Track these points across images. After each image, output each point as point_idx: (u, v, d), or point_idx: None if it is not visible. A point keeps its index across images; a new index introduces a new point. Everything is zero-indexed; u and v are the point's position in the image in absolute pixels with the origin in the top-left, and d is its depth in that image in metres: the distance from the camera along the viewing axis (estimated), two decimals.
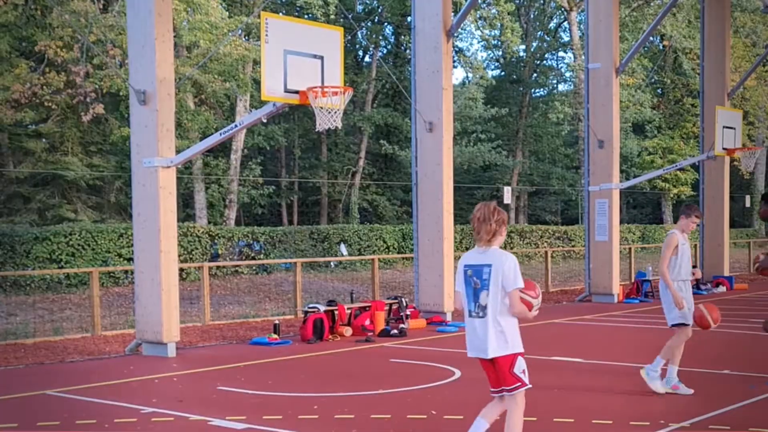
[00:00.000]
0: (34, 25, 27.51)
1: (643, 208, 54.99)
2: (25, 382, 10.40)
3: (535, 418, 7.98)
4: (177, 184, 12.79)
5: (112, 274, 21.73)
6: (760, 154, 22.83)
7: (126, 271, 21.49)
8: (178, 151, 12.78)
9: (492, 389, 6.05)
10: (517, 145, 45.21)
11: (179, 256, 17.45)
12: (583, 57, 29.26)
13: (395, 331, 14.41)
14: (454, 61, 34.74)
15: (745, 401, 8.71)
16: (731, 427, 7.63)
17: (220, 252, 24.89)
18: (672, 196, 45.52)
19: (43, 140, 29.92)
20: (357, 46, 42.33)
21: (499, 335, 5.78)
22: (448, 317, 16.12)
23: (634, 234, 39.47)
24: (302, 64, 11.05)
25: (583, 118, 26.52)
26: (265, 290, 22.08)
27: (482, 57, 47.76)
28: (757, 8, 39.00)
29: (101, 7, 26.20)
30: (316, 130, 11.41)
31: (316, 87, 10.88)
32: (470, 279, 5.80)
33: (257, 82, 28.28)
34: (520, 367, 5.84)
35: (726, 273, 23.63)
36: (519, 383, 5.85)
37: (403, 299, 15.97)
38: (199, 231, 24.48)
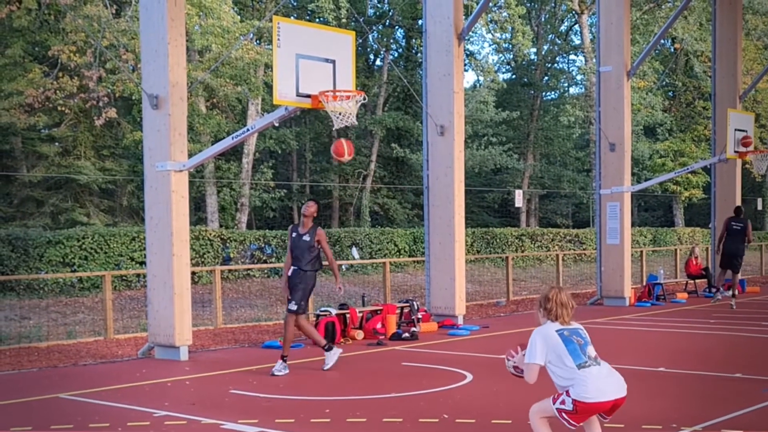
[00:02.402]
0: (48, 29, 27.66)
1: (655, 211, 54.83)
2: (39, 385, 10.46)
3: None
4: (189, 188, 12.85)
5: (124, 278, 21.80)
6: None
7: (138, 275, 21.57)
8: (190, 155, 12.85)
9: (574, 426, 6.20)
10: (529, 148, 45.15)
11: (191, 259, 17.50)
12: (594, 60, 29.24)
13: (407, 334, 14.42)
14: (465, 65, 34.73)
15: (758, 405, 8.69)
16: (743, 430, 7.62)
17: (231, 255, 24.94)
18: (683, 199, 45.38)
19: (56, 144, 30.07)
20: (368, 49, 42.37)
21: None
22: (460, 320, 16.12)
23: (645, 237, 39.35)
24: (314, 68, 11.08)
25: (594, 121, 26.49)
26: (277, 293, 22.12)
27: (493, 60, 47.74)
28: None
29: (114, 11, 26.31)
30: (334, 129, 11.56)
31: (328, 91, 10.92)
32: (570, 338, 6.12)
33: (269, 86, 28.36)
34: None
35: (738, 276, 23.52)
36: None
37: (414, 302, 15.99)
38: (211, 234, 24.54)
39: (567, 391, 6.00)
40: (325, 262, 11.49)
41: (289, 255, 11.21)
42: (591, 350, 6.14)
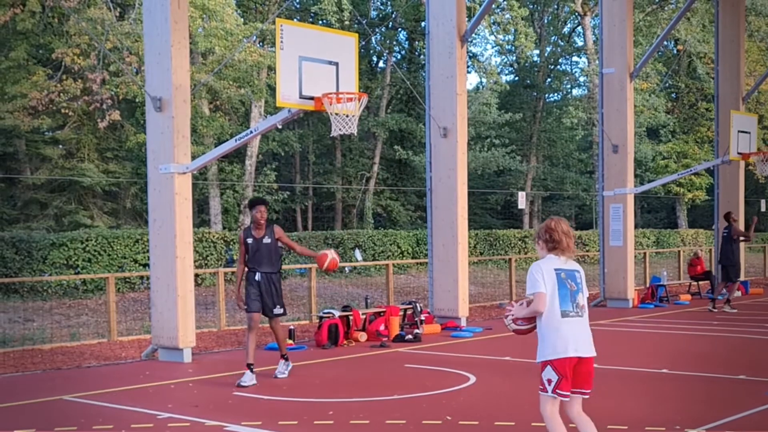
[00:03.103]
0: (52, 32, 27.72)
1: (658, 213, 54.78)
2: (42, 387, 10.48)
3: None
4: (192, 190, 12.86)
5: (128, 280, 21.83)
6: None
7: (142, 277, 21.59)
8: (193, 157, 12.86)
9: (570, 390, 6.13)
10: (531, 150, 45.16)
11: (195, 261, 17.51)
12: (597, 61, 29.24)
13: (410, 336, 14.43)
14: (468, 67, 34.74)
15: (761, 407, 8.69)
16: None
17: (235, 257, 24.95)
18: (687, 200, 45.35)
19: (60, 147, 30.13)
20: (371, 51, 42.40)
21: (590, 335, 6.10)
22: (463, 322, 16.13)
23: (648, 239, 39.32)
24: (317, 70, 11.09)
25: (597, 123, 26.48)
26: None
27: (496, 62, 47.78)
28: None
29: (118, 14, 26.37)
30: (331, 135, 11.46)
31: (331, 93, 10.93)
32: (565, 281, 5.98)
33: (272, 89, 28.40)
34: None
35: (741, 277, 23.52)
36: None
37: (417, 304, 16.00)
38: (214, 236, 24.56)
39: (542, 365, 6.06)
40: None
41: (243, 261, 10.74)
42: (581, 298, 6.06)
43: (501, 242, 32.74)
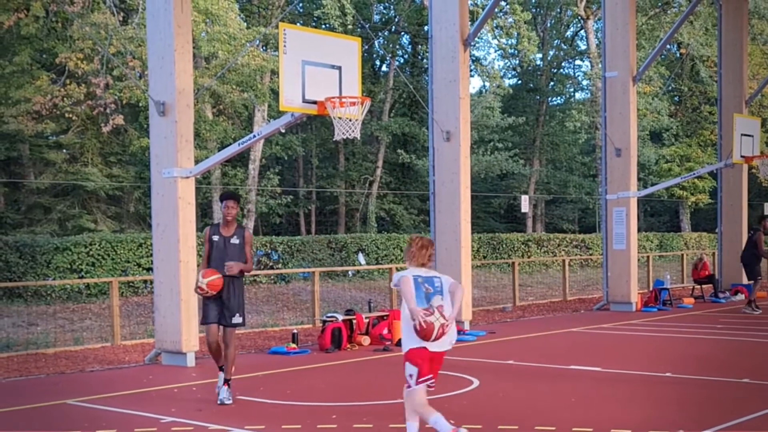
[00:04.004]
0: (55, 37, 27.77)
1: (661, 216, 54.74)
2: (46, 391, 10.49)
3: (554, 428, 7.99)
4: (196, 194, 12.88)
5: (131, 284, 21.85)
6: None
7: (145, 281, 21.60)
8: (196, 162, 12.88)
9: (430, 379, 7.06)
10: (534, 153, 45.15)
11: (198, 265, 17.54)
12: (600, 65, 29.25)
13: None
14: (471, 70, 34.75)
15: (765, 411, 8.68)
16: None
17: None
18: (690, 204, 45.32)
19: (64, 151, 30.17)
20: (374, 55, 42.43)
21: (451, 334, 7.06)
22: (466, 326, 16.12)
23: (652, 242, 39.30)
24: (320, 74, 11.12)
25: (600, 127, 26.47)
26: (284, 299, 22.15)
27: (499, 66, 47.81)
28: None
29: (121, 19, 26.41)
30: (334, 139, 11.47)
31: (334, 97, 10.94)
32: (421, 285, 6.99)
33: (275, 93, 28.41)
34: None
35: (745, 281, 23.50)
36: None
37: None
38: None
39: (404, 357, 7.02)
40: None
41: (206, 262, 9.67)
42: (437, 300, 6.95)
43: (504, 246, 32.73)
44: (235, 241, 9.63)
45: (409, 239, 7.34)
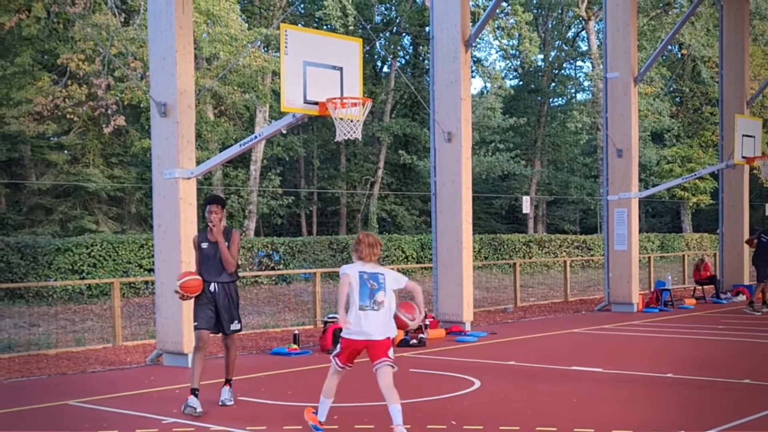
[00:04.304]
0: (57, 38, 27.80)
1: (662, 217, 54.74)
2: (48, 392, 10.50)
3: (555, 429, 7.99)
4: (197, 195, 12.89)
5: (132, 285, 21.86)
6: None
7: (146, 282, 21.62)
8: (198, 163, 12.88)
9: (350, 364, 7.87)
10: (536, 154, 45.15)
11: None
12: (601, 66, 29.24)
13: (414, 341, 14.43)
14: (472, 71, 34.78)
15: (766, 411, 8.67)
16: None
17: (239, 262, 24.99)
18: (691, 204, 45.31)
19: (65, 152, 30.19)
20: (375, 56, 42.45)
21: (389, 323, 7.64)
22: (467, 327, 16.12)
23: (653, 243, 39.30)
24: (321, 75, 11.12)
25: (601, 127, 26.48)
26: (285, 300, 22.15)
27: (500, 67, 47.76)
28: None
29: (123, 20, 26.44)
30: (336, 140, 11.46)
31: (335, 98, 10.95)
32: (366, 281, 7.53)
33: (276, 93, 28.43)
34: (391, 350, 7.71)
35: (746, 282, 23.49)
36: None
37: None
38: None
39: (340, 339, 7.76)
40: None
41: (199, 269, 9.31)
42: (380, 296, 7.54)
43: (505, 247, 32.73)
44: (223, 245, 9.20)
45: (359, 235, 7.79)
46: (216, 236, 9.12)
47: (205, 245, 9.22)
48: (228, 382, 9.47)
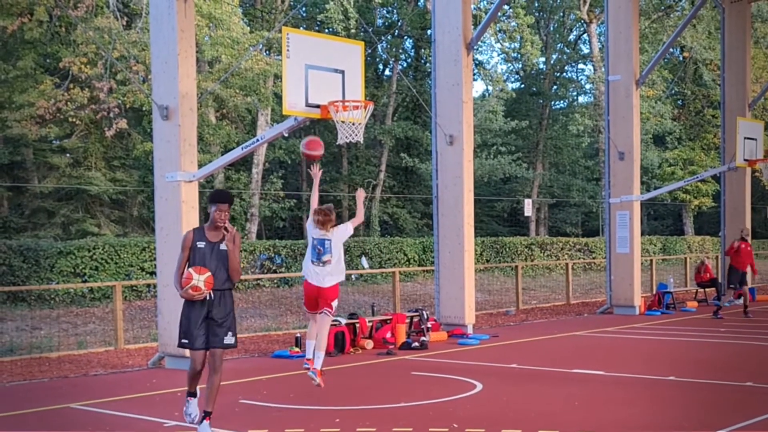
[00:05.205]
0: (59, 41, 27.82)
1: (664, 220, 54.70)
2: (50, 395, 10.50)
3: (557, 431, 7.99)
4: (199, 198, 12.90)
5: (134, 288, 21.87)
6: None
7: (148, 285, 21.63)
8: (200, 166, 12.90)
9: (317, 311, 9.89)
10: (538, 157, 45.14)
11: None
12: (603, 69, 29.25)
13: (416, 344, 14.43)
14: (474, 74, 34.76)
15: None
16: None
17: (241, 265, 25.00)
18: (693, 207, 45.28)
19: (67, 155, 30.21)
20: (377, 59, 42.46)
21: (333, 275, 9.77)
22: (469, 330, 16.12)
23: (655, 246, 39.27)
24: (323, 78, 11.13)
25: (603, 130, 26.49)
26: (287, 303, 22.16)
27: (502, 70, 47.75)
28: None
29: (125, 23, 26.48)
30: (337, 143, 11.47)
31: (337, 101, 10.96)
32: (315, 246, 9.77)
33: (278, 97, 28.45)
34: (335, 301, 9.86)
35: (749, 285, 23.48)
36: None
37: (424, 312, 16.00)
38: None
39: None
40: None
41: (182, 272, 7.98)
42: (326, 257, 9.73)
43: (507, 249, 32.72)
44: (224, 246, 7.96)
45: (314, 208, 9.89)
46: (227, 243, 7.93)
47: (202, 244, 7.94)
48: (207, 415, 7.96)
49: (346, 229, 9.93)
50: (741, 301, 21.70)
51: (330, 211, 9.88)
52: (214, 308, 7.90)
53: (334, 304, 9.82)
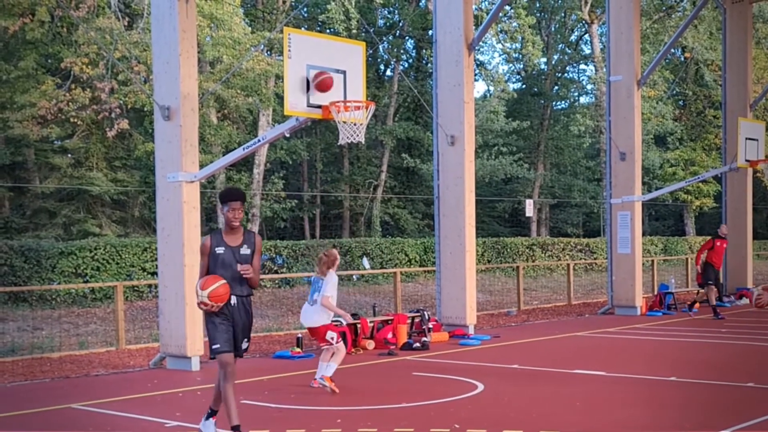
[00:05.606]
0: (60, 42, 27.82)
1: (666, 220, 54.67)
2: (51, 395, 10.51)
3: None
4: (200, 199, 12.91)
5: (136, 288, 21.87)
6: None
7: (150, 285, 21.63)
8: (201, 166, 12.90)
9: (322, 344, 10.81)
10: (539, 157, 45.12)
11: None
12: (604, 69, 29.25)
13: (417, 344, 14.43)
14: (475, 75, 34.75)
15: None
16: None
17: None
18: (694, 208, 45.26)
19: (69, 156, 30.21)
20: (378, 60, 42.45)
21: (321, 313, 10.65)
22: (471, 330, 16.12)
23: (656, 246, 39.25)
24: None
25: (604, 131, 26.48)
26: (288, 304, 22.15)
27: (503, 70, 47.75)
28: None
29: (126, 24, 26.47)
30: (339, 144, 11.48)
31: (338, 102, 10.96)
32: (312, 285, 10.83)
33: (280, 97, 28.45)
34: (331, 334, 10.60)
35: (749, 285, 23.49)
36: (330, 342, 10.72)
37: (425, 312, 16.00)
38: None
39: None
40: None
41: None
42: (316, 296, 10.65)
43: (509, 250, 32.71)
44: (245, 251, 7.70)
45: (324, 253, 11.06)
46: (237, 241, 7.69)
47: (221, 250, 7.63)
48: (214, 413, 8.00)
49: (326, 290, 10.78)
50: (742, 302, 21.76)
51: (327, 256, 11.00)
52: (236, 317, 7.75)
53: (328, 335, 10.61)
